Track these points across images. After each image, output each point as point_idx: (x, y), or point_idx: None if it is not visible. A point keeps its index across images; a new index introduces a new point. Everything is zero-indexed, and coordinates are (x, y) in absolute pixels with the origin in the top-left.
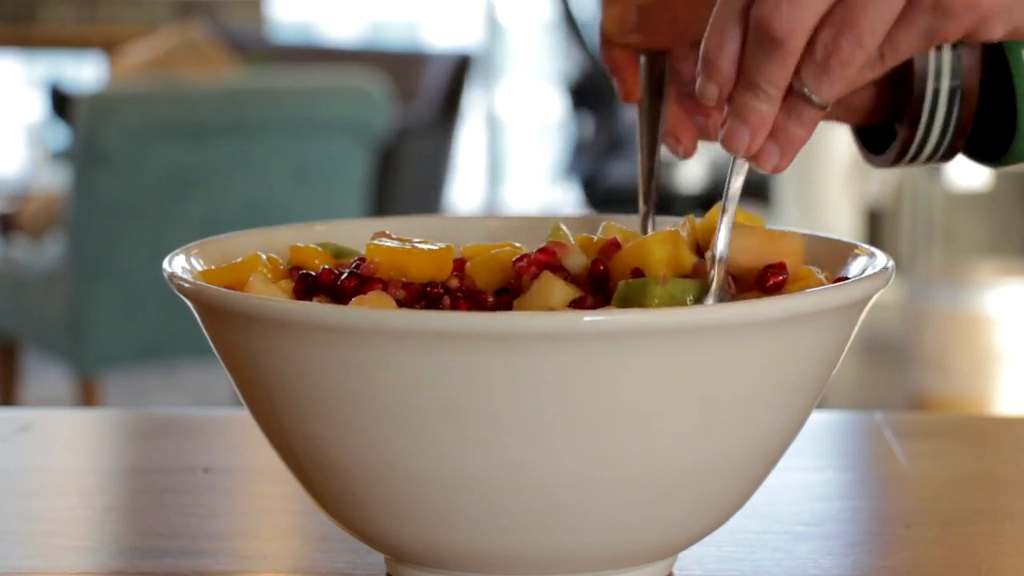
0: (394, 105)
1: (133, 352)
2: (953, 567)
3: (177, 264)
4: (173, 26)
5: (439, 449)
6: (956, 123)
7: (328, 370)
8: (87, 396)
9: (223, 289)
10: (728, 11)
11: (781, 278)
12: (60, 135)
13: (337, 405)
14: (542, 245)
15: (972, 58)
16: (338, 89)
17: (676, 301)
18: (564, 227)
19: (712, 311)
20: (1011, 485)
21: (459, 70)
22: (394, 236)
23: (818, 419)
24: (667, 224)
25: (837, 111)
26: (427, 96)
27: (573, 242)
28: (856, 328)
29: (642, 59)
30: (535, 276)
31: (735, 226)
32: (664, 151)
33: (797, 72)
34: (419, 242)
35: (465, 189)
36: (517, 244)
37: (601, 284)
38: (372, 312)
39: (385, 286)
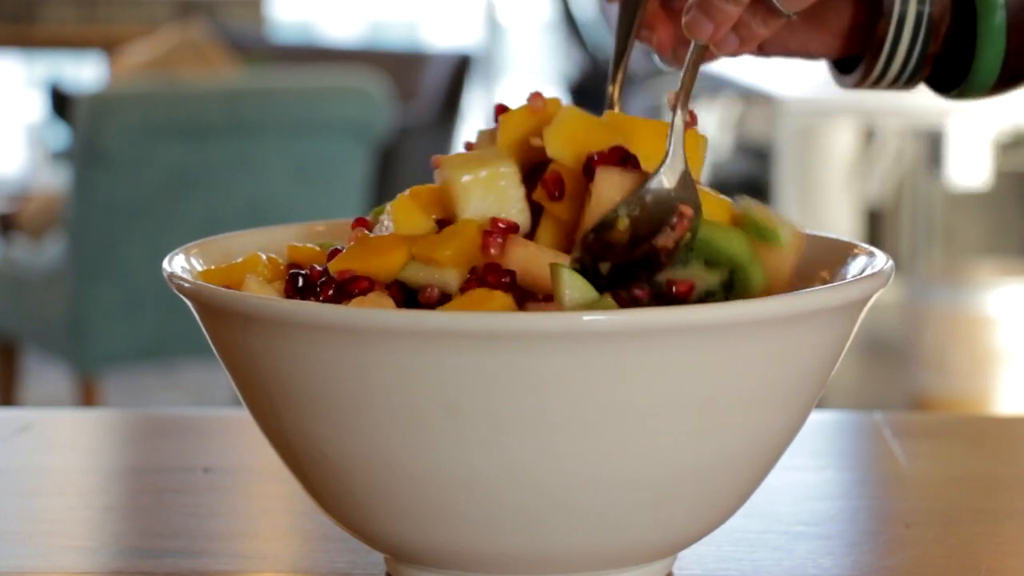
0: (394, 105)
1: (133, 352)
2: (953, 567)
3: (177, 264)
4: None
5: (439, 449)
6: (922, 49)
7: (328, 370)
8: (87, 396)
9: (222, 289)
10: None
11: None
12: (60, 135)
13: (337, 405)
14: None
15: None
16: (338, 89)
17: None
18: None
19: (712, 311)
20: (1011, 485)
21: (459, 70)
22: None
23: (818, 419)
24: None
25: (818, 40)
26: (427, 96)
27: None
28: (856, 328)
29: None
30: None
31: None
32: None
33: None
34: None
35: None
36: None
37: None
38: (372, 312)
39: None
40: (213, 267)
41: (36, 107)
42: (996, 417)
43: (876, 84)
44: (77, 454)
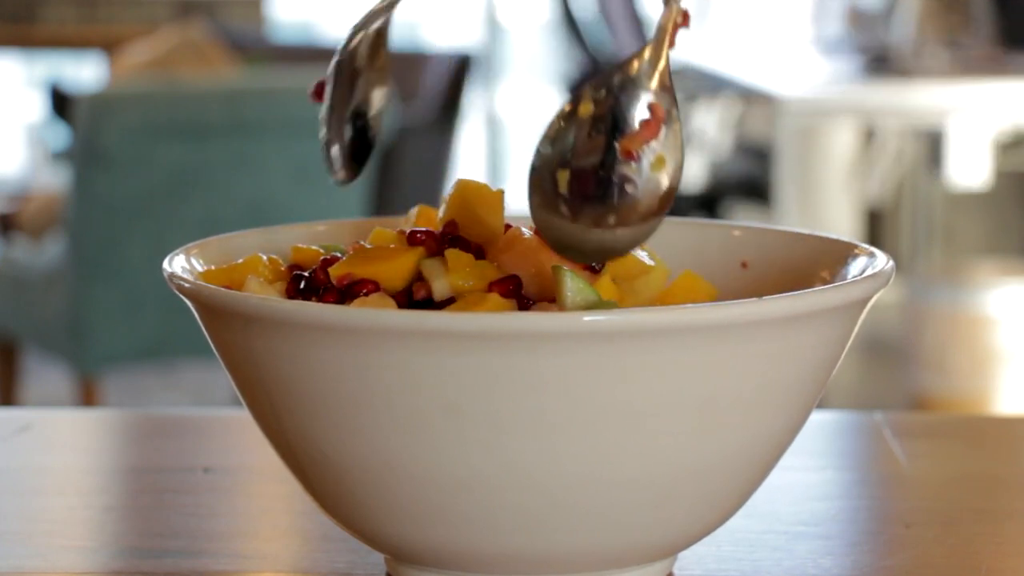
0: (394, 105)
1: (133, 352)
2: (953, 567)
3: (177, 264)
4: (173, 26)
5: (439, 449)
6: None
7: (328, 370)
8: (87, 396)
9: (223, 289)
10: None
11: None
12: (60, 135)
13: (337, 405)
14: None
15: None
16: None
17: None
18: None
19: (713, 311)
20: (1011, 485)
21: (459, 70)
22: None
23: (818, 419)
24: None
25: None
26: (427, 96)
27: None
28: (856, 328)
29: None
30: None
31: None
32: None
33: None
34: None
35: None
36: None
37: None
38: (372, 312)
39: (377, 286)
40: (214, 267)
41: (36, 107)
42: (996, 417)
43: None
44: (77, 454)
